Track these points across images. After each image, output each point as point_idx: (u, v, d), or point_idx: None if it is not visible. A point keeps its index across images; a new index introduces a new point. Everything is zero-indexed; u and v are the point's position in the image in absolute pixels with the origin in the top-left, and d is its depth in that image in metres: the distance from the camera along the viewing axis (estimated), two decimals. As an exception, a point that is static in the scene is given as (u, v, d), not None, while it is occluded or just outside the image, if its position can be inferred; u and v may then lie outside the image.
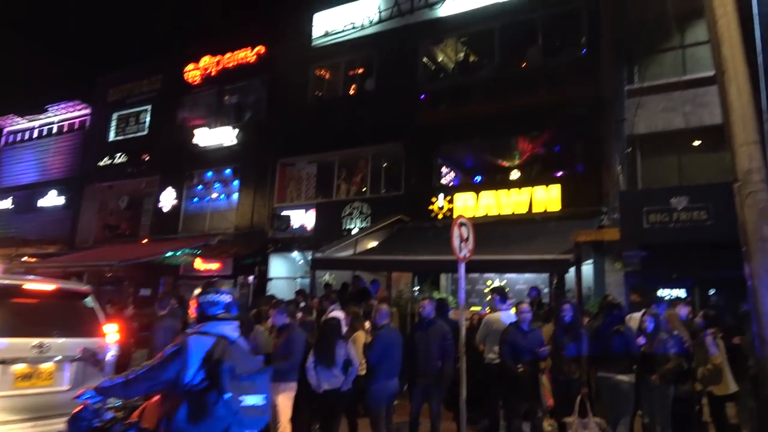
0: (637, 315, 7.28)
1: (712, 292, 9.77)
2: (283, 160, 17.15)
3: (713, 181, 9.29)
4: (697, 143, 11.19)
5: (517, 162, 14.36)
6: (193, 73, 19.81)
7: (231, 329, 3.24)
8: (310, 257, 13.52)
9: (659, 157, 11.54)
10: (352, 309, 8.05)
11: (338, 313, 7.68)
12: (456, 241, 7.44)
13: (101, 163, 21.25)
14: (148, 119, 21.07)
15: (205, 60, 19.57)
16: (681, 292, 10.01)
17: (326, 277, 14.64)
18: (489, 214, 12.71)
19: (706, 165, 10.68)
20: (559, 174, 12.64)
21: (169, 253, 16.34)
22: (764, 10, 10.21)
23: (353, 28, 15.99)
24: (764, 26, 10.12)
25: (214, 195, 18.61)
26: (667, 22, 8.97)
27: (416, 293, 12.36)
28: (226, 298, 3.32)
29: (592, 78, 12.29)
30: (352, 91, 16.90)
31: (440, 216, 13.44)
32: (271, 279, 16.03)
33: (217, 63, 19.35)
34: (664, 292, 10.14)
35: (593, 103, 12.10)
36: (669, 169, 11.32)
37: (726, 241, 7.12)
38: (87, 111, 23.23)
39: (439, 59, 16.02)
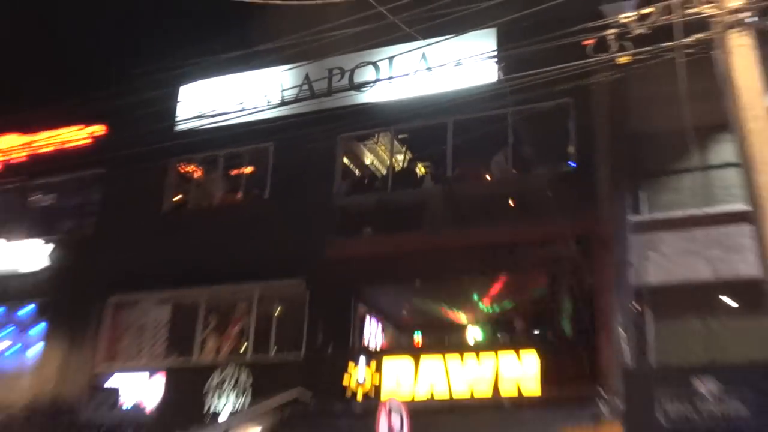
0: None
1: None
2: (117, 297, 16.93)
3: (754, 359, 9.92)
4: (729, 302, 12.01)
5: (477, 318, 14.82)
6: (-17, 157, 19.68)
7: None
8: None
9: (678, 318, 12.25)
10: None
11: None
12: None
13: None
14: None
15: (7, 140, 19.54)
16: None
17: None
18: (434, 395, 12.87)
19: (743, 333, 11.39)
20: (538, 339, 13.08)
21: None
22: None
23: (242, 109, 16.55)
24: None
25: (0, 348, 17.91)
26: (682, 136, 9.94)
27: None
28: None
29: (585, 203, 13.16)
30: (233, 200, 17.22)
31: (359, 394, 13.46)
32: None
33: (26, 145, 19.34)
34: None
35: (585, 238, 12.88)
36: (692, 337, 11.98)
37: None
38: None
39: (367, 161, 16.78)
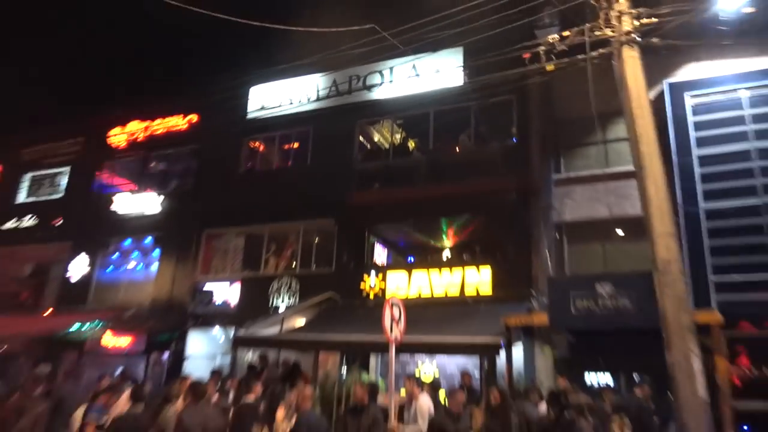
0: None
1: (638, 379, 10.17)
2: (209, 231, 16.93)
3: (636, 270, 9.89)
4: (620, 232, 11.99)
5: (449, 244, 14.84)
6: (118, 137, 19.55)
7: None
8: (232, 334, 13.15)
9: (585, 244, 12.26)
10: (272, 388, 7.90)
11: None
12: (387, 322, 7.50)
13: (6, 226, 20.15)
14: (64, 182, 20.39)
15: (133, 125, 19.41)
16: (608, 378, 10.40)
17: (249, 356, 14.20)
18: (421, 295, 12.92)
19: (629, 253, 11.41)
20: (491, 257, 13.08)
21: (75, 327, 15.41)
22: (677, 113, 11.37)
23: (290, 103, 16.42)
24: (677, 129, 11.25)
25: (131, 265, 17.96)
26: (590, 119, 9.83)
27: (344, 375, 12.19)
28: None
29: (522, 166, 13.08)
30: (285, 165, 17.16)
31: (371, 295, 13.52)
32: (188, 357, 15.35)
33: (146, 129, 19.23)
34: (591, 378, 10.49)
35: (523, 190, 12.83)
36: (594, 256, 12.02)
37: (650, 329, 7.57)
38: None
39: (375, 139, 16.63)
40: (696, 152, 11.13)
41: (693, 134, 11.26)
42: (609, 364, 10.43)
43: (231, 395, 9.24)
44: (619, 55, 8.12)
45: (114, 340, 16.20)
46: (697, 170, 11.04)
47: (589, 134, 12.36)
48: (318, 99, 16.17)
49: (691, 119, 11.37)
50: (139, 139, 19.22)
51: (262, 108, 16.97)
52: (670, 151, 10.96)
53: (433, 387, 9.04)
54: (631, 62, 8.02)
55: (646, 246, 7.73)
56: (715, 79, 11.53)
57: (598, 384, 10.31)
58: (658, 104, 11.19)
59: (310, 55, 14.25)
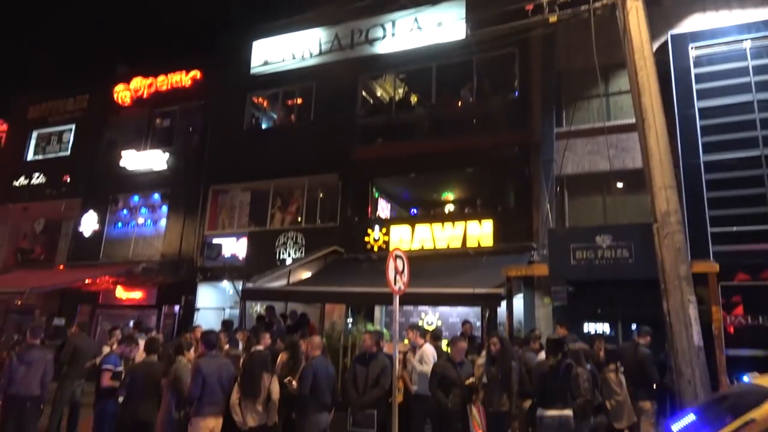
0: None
1: (634, 327, 10.30)
2: (215, 186, 16.92)
3: (635, 222, 9.90)
4: (620, 185, 11.93)
5: (452, 197, 14.80)
6: (123, 93, 19.32)
7: None
8: (240, 287, 13.30)
9: (585, 196, 12.21)
10: (290, 338, 8.03)
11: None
12: (391, 273, 7.54)
13: (16, 183, 20.19)
14: (71, 139, 20.29)
15: (137, 81, 19.16)
16: (605, 328, 10.54)
17: (257, 308, 14.41)
18: (424, 248, 12.98)
19: (628, 206, 11.38)
20: (492, 210, 13.08)
21: (88, 281, 15.59)
22: (680, 65, 11.14)
23: (293, 58, 16.10)
24: (680, 81, 11.04)
25: (140, 221, 18.03)
26: (592, 72, 9.65)
27: (350, 326, 12.37)
28: None
29: (524, 120, 12.96)
30: (289, 121, 17.01)
31: (375, 248, 13.59)
32: (198, 309, 15.58)
33: (150, 85, 18.99)
34: (589, 327, 10.62)
35: (524, 144, 12.74)
36: (594, 208, 11.99)
37: (647, 279, 7.62)
38: (1, 127, 22.17)
39: (378, 94, 16.41)
40: (697, 104, 10.96)
41: (695, 86, 11.06)
42: (607, 313, 10.55)
43: (241, 345, 9.39)
44: (622, 6, 7.95)
45: (126, 294, 16.42)
46: (698, 123, 10.89)
47: (591, 87, 12.16)
48: (320, 53, 15.77)
49: (693, 71, 11.16)
50: (144, 96, 19.01)
51: (266, 63, 16.59)
52: (672, 103, 10.77)
53: (435, 336, 9.14)
54: (635, 12, 7.86)
55: (646, 198, 7.70)
56: (718, 30, 11.23)
57: (595, 333, 10.45)
58: (660, 56, 10.93)
59: (312, 8, 13.96)
